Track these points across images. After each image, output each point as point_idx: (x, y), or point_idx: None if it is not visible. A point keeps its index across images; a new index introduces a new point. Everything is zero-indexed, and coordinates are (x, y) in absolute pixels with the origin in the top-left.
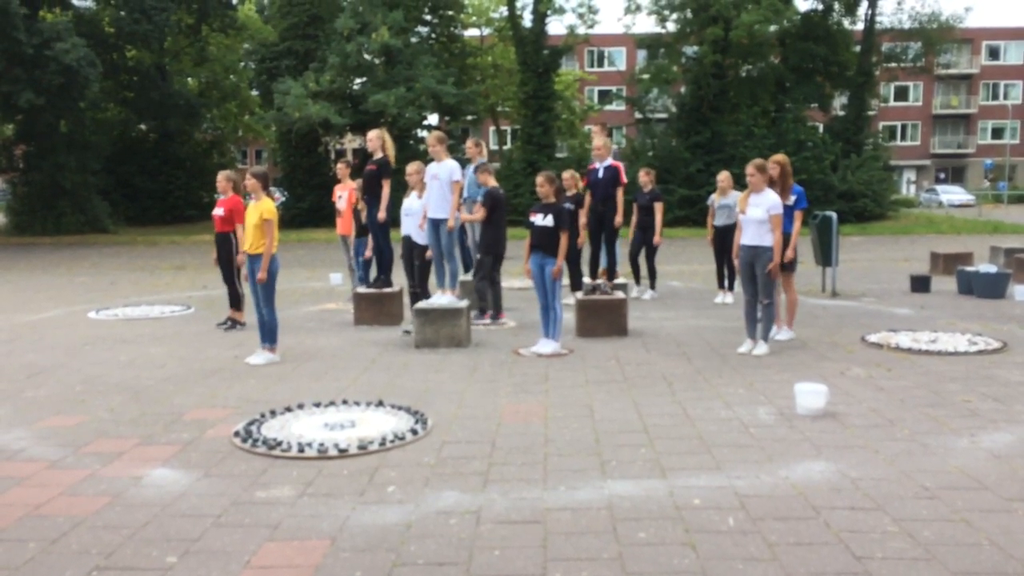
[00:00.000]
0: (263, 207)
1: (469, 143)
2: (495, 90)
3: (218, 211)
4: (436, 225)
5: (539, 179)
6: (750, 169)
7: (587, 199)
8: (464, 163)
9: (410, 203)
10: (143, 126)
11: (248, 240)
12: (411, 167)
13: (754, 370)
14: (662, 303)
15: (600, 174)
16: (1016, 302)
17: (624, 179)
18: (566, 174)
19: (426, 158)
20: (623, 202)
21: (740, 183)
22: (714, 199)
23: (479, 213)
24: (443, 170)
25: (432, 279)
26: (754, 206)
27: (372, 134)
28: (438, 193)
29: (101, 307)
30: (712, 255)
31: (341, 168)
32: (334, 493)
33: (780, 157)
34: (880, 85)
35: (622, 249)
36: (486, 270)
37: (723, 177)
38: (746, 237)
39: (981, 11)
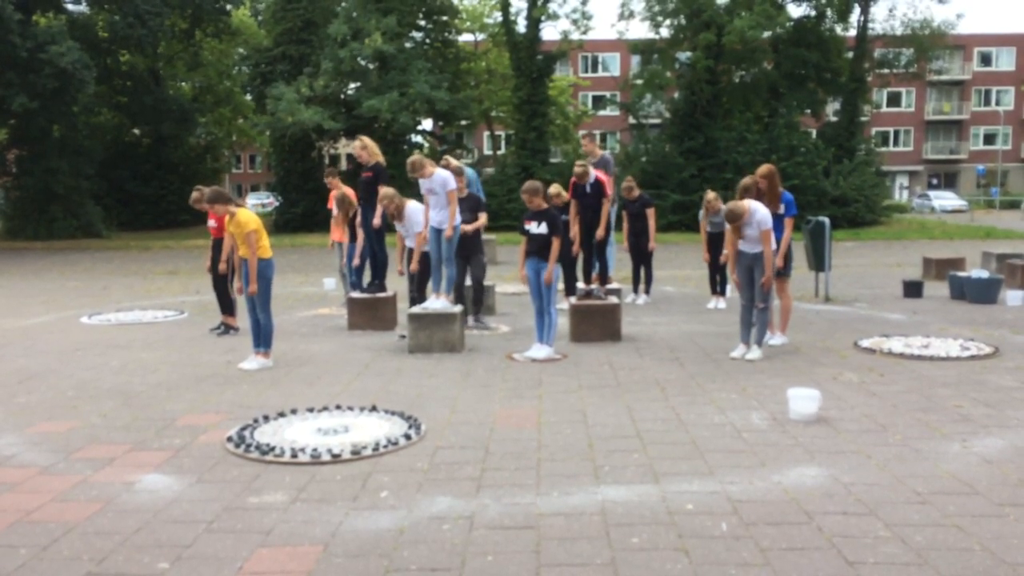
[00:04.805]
0: (240, 220)
1: (442, 162)
2: (489, 95)
3: (211, 223)
4: (438, 233)
5: (524, 196)
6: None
7: (573, 208)
8: None
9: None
10: (136, 131)
11: (240, 248)
12: (383, 195)
13: (747, 375)
14: (655, 308)
15: (587, 189)
16: (1008, 307)
17: (608, 191)
18: (552, 190)
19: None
20: (607, 214)
21: (731, 189)
22: (703, 216)
23: (484, 219)
24: (436, 183)
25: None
26: (746, 226)
27: (356, 147)
28: (438, 205)
29: (93, 312)
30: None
31: (330, 180)
32: (327, 499)
33: (764, 171)
34: (872, 91)
35: (617, 254)
36: (483, 272)
37: (710, 201)
38: (745, 246)
39: (973, 18)
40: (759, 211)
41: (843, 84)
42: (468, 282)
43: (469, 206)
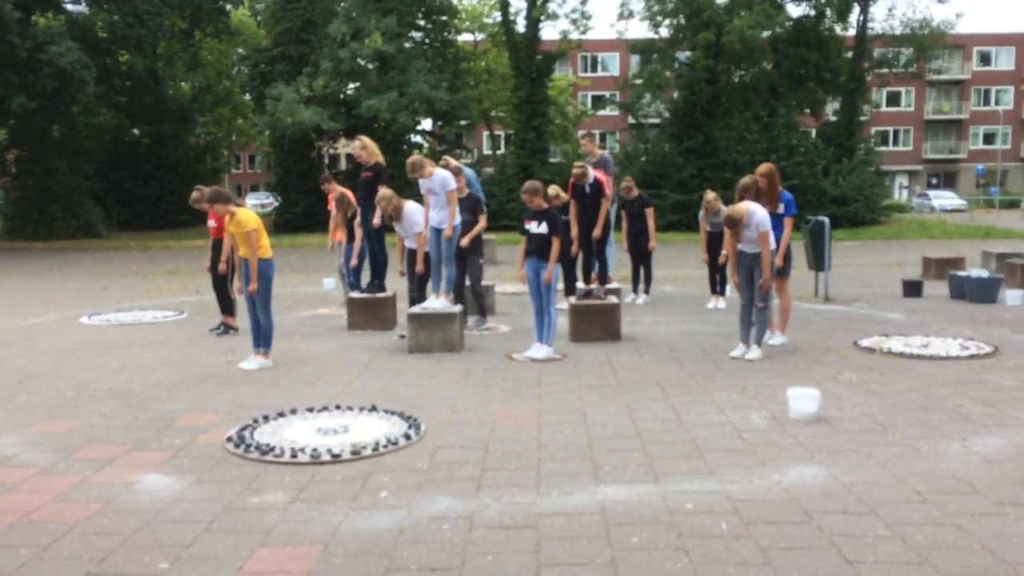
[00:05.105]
0: (240, 219)
1: (440, 163)
2: (488, 95)
3: (211, 223)
4: (438, 233)
5: (524, 196)
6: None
7: (572, 208)
8: None
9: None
10: (136, 131)
11: (240, 247)
12: (380, 196)
13: (747, 374)
14: (655, 308)
15: (587, 189)
16: (1007, 307)
17: (607, 191)
18: (551, 191)
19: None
20: (606, 213)
21: (730, 189)
22: (703, 216)
23: (483, 222)
24: (436, 183)
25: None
26: (745, 228)
27: (355, 147)
28: (438, 205)
29: (93, 312)
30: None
31: (326, 186)
32: (327, 498)
33: (764, 169)
34: (872, 90)
35: (616, 254)
36: (480, 274)
37: (710, 202)
38: (745, 246)
39: (972, 17)
40: (757, 213)
41: (842, 84)
42: (467, 282)
43: (468, 206)
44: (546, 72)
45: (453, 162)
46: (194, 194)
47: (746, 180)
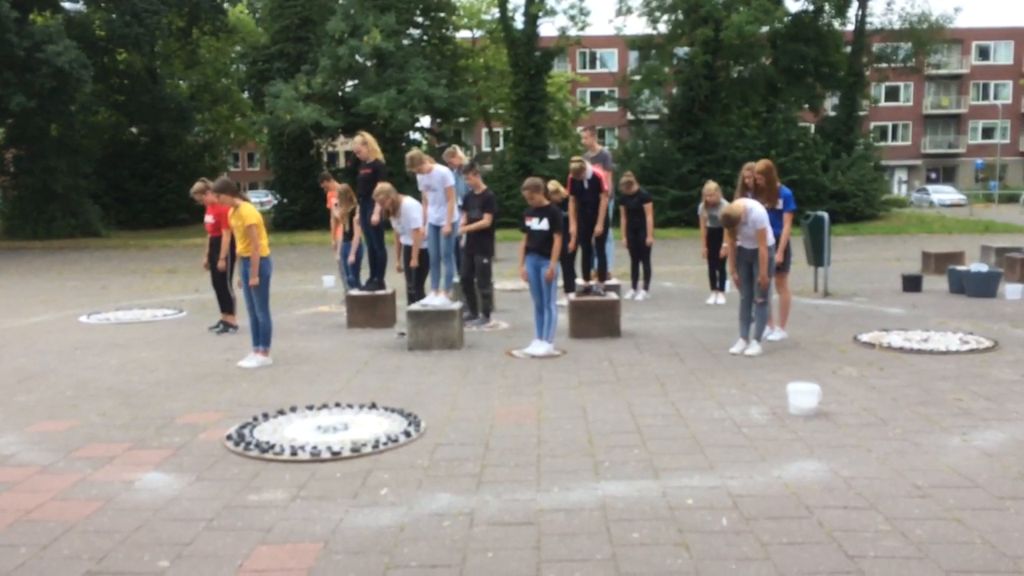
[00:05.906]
0: (243, 213)
1: (447, 152)
2: (487, 92)
3: (208, 219)
4: (436, 230)
5: (525, 193)
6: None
7: (572, 204)
8: None
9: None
10: (134, 129)
11: (239, 243)
12: (379, 189)
13: (747, 370)
14: (654, 304)
15: (586, 185)
16: (1007, 301)
17: (606, 186)
18: (550, 186)
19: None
20: (606, 209)
21: (730, 185)
22: (702, 209)
23: (487, 220)
24: (435, 180)
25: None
26: (743, 225)
27: (356, 142)
28: (437, 202)
29: (92, 311)
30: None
31: (325, 184)
32: (327, 496)
33: (762, 167)
34: (871, 85)
35: (616, 250)
36: (488, 273)
37: (710, 192)
38: (745, 242)
39: (971, 11)
40: (755, 211)
41: (841, 79)
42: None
43: (481, 203)
44: (544, 68)
45: (462, 157)
46: (197, 184)
47: (750, 164)
